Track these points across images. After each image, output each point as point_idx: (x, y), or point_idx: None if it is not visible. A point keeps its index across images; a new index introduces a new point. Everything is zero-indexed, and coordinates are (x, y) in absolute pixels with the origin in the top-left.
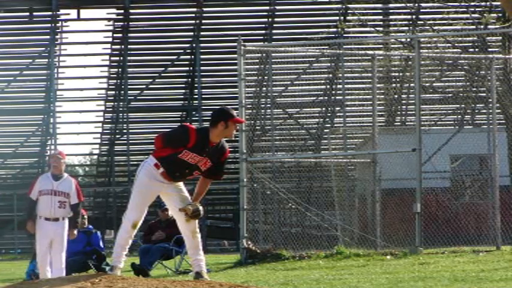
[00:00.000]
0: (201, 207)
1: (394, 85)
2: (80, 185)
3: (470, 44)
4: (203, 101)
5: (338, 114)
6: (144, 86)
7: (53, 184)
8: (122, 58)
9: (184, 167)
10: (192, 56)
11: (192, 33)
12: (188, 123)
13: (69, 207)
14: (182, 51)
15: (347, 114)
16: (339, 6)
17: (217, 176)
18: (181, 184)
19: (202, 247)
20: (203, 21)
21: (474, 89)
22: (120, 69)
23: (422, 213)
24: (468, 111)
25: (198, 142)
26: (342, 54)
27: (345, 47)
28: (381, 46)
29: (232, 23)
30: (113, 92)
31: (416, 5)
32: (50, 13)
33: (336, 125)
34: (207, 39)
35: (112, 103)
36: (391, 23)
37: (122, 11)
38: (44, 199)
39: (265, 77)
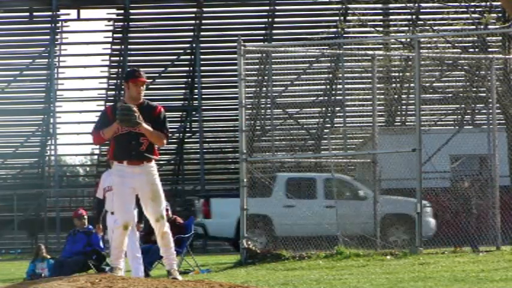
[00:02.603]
0: (136, 113)
1: (394, 85)
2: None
3: (470, 44)
4: (203, 101)
5: (338, 114)
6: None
7: None
8: (122, 58)
9: (127, 140)
10: (192, 56)
11: (192, 33)
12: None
13: None
14: (182, 51)
15: (347, 114)
16: (339, 6)
17: (161, 132)
18: (155, 178)
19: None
20: (203, 21)
21: (474, 89)
22: (120, 70)
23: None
24: (468, 111)
25: (114, 110)
26: (342, 54)
27: (345, 47)
28: (381, 46)
29: (232, 23)
30: (113, 92)
31: (416, 5)
32: (50, 13)
33: (336, 125)
34: (207, 39)
35: (112, 103)
36: (391, 23)
37: (122, 11)
38: (109, 195)
39: (265, 77)
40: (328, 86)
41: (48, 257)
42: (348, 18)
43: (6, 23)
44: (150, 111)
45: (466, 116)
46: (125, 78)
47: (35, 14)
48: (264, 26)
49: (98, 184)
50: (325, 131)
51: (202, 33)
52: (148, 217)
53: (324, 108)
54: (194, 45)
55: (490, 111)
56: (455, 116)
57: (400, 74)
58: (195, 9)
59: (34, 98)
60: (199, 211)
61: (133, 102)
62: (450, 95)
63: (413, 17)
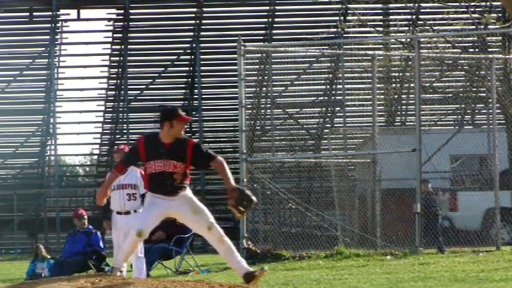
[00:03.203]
0: (247, 192)
1: (394, 85)
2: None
3: (470, 44)
4: (203, 101)
5: (338, 114)
6: (144, 86)
7: (120, 178)
8: (122, 58)
9: (161, 179)
10: (192, 56)
11: (192, 33)
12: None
13: (139, 198)
14: (182, 51)
15: (347, 114)
16: (339, 6)
17: (209, 162)
18: (190, 196)
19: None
20: (203, 21)
21: (474, 89)
22: (120, 69)
23: (422, 213)
24: (468, 111)
25: (148, 148)
26: (342, 55)
27: (345, 47)
28: (381, 46)
29: (232, 23)
30: (113, 92)
31: (416, 5)
32: (50, 13)
33: (336, 125)
34: (207, 39)
35: (112, 103)
36: (391, 23)
37: (122, 11)
38: (114, 194)
39: (265, 77)
40: (328, 86)
41: (48, 256)
42: (348, 18)
43: (6, 23)
44: (183, 148)
45: (466, 116)
46: (168, 116)
47: (35, 14)
48: (264, 26)
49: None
50: (325, 131)
51: (202, 33)
52: (200, 232)
53: (324, 108)
54: (194, 45)
55: (490, 111)
56: (455, 116)
57: (400, 74)
58: (195, 9)
59: (34, 98)
60: (444, 204)
61: (171, 140)
62: (450, 95)
63: (413, 17)
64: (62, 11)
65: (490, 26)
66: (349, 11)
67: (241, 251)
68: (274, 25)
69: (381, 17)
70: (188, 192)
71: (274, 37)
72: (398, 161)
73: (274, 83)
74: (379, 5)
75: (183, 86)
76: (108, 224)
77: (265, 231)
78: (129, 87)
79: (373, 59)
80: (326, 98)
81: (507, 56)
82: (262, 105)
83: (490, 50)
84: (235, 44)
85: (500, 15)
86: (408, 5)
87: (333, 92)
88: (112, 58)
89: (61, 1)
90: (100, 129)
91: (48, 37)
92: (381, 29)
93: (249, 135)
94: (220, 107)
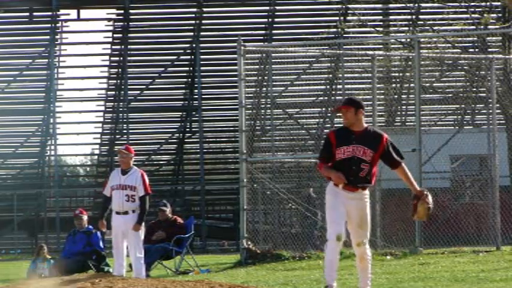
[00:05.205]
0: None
1: (394, 85)
2: (147, 177)
3: (470, 44)
4: (203, 101)
5: (338, 114)
6: (144, 86)
7: (121, 178)
8: (121, 58)
9: (347, 165)
10: (192, 56)
11: (192, 33)
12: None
13: (138, 200)
14: (182, 51)
15: None
16: (339, 6)
17: (395, 162)
18: (366, 206)
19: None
20: (203, 21)
21: (474, 89)
22: (120, 70)
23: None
24: (468, 111)
25: (338, 136)
26: (342, 55)
27: (345, 47)
28: (381, 46)
29: (232, 23)
30: (113, 92)
31: (416, 5)
32: (50, 13)
33: (336, 125)
34: (207, 39)
35: (112, 103)
36: (391, 23)
37: (122, 11)
38: (114, 194)
39: (265, 77)
40: (328, 86)
41: (49, 257)
42: (348, 18)
43: (6, 23)
44: (375, 139)
45: (466, 116)
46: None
47: (35, 14)
48: (264, 26)
49: (106, 181)
50: (325, 131)
51: (202, 33)
52: (351, 239)
53: (324, 108)
54: (194, 45)
55: (490, 111)
56: (455, 116)
57: (400, 74)
58: (195, 9)
59: (34, 98)
60: None
61: (355, 128)
62: (450, 95)
63: (413, 17)
64: (62, 11)
65: (490, 26)
66: (349, 11)
67: (241, 251)
68: (274, 25)
69: (380, 17)
70: (366, 197)
71: (274, 37)
72: None
73: (274, 83)
74: (379, 5)
75: (183, 86)
76: (102, 223)
77: (265, 231)
78: (129, 87)
79: (373, 59)
80: (326, 98)
81: (507, 56)
82: (262, 105)
83: (490, 50)
84: (235, 44)
85: (500, 15)
86: (408, 5)
87: (333, 92)
88: (112, 58)
89: (61, 1)
90: (100, 129)
91: (48, 37)
92: (381, 29)
93: (249, 136)
94: (220, 107)
